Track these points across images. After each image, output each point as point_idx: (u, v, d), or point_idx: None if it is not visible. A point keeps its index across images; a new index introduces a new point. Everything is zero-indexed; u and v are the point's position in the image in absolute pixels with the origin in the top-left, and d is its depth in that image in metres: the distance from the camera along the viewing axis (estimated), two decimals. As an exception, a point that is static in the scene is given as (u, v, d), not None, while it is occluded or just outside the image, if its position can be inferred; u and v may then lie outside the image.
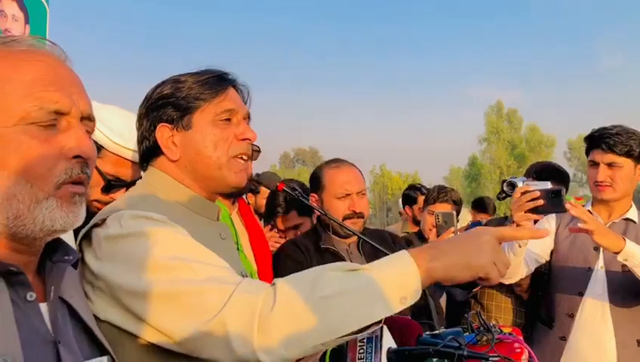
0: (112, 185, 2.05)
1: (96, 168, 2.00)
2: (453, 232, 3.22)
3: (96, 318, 1.29)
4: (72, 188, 1.09)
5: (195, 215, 1.61)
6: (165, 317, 1.25)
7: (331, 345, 1.24)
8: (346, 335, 1.21)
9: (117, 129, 2.00)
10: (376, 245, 2.34)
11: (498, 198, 3.30)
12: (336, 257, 2.69)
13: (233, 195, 2.43)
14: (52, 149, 1.06)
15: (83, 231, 1.43)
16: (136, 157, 2.04)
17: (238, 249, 2.15)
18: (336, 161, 2.88)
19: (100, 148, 1.99)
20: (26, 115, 1.04)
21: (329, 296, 1.21)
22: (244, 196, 2.78)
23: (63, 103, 1.08)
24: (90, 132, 1.16)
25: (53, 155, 1.06)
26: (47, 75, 1.09)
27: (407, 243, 3.61)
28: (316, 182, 2.84)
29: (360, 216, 2.77)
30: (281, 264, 2.71)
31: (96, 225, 1.41)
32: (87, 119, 1.15)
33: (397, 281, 1.23)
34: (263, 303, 1.21)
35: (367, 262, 2.70)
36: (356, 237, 2.73)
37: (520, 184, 2.89)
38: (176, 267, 1.28)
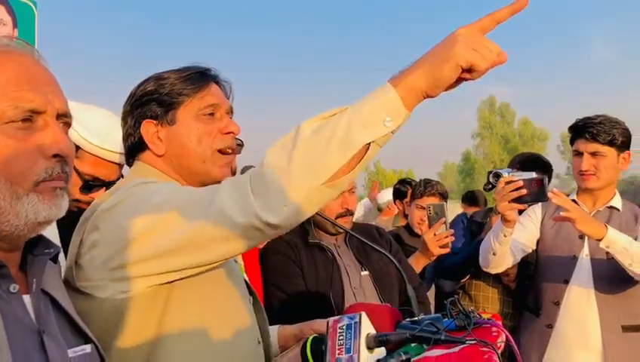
0: (91, 185, 2.08)
1: (74, 168, 2.03)
2: (444, 223, 3.27)
3: (100, 301, 1.37)
4: (52, 183, 1.11)
5: None
6: (176, 230, 1.30)
7: (327, 194, 1.23)
8: (336, 175, 1.20)
9: (94, 129, 2.03)
10: (364, 240, 2.36)
11: (484, 189, 3.34)
12: (325, 252, 2.72)
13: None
14: (30, 147, 1.09)
15: (78, 228, 1.47)
16: (113, 158, 2.07)
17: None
18: None
19: (77, 148, 2.02)
20: (2, 114, 1.07)
21: (311, 137, 1.21)
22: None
23: (39, 102, 1.11)
24: (68, 127, 1.19)
25: (31, 153, 1.09)
26: (22, 74, 1.11)
27: (395, 237, 3.66)
28: None
29: (351, 213, 2.81)
30: (270, 260, 2.73)
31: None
32: (64, 116, 1.17)
33: (375, 107, 1.20)
34: (251, 173, 1.24)
35: (357, 257, 2.77)
36: (343, 232, 2.77)
37: (505, 175, 2.92)
38: (176, 192, 1.36)
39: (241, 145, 2.67)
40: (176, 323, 1.42)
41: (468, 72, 1.21)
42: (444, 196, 3.99)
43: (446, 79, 1.20)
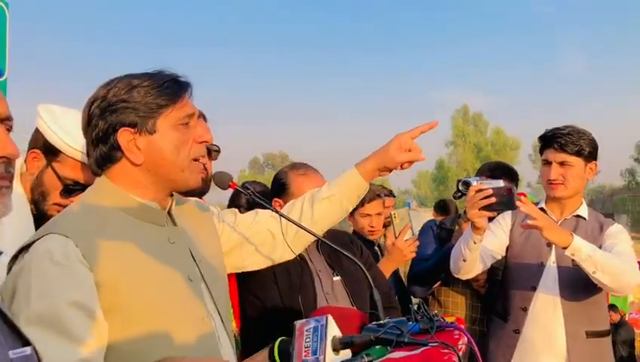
0: (71, 189, 2.08)
1: (55, 172, 2.04)
2: (410, 228, 3.31)
3: None
4: None
5: (142, 222, 1.63)
6: None
7: None
8: None
9: (73, 132, 2.02)
10: (334, 245, 2.38)
11: (454, 197, 3.40)
12: (297, 258, 2.73)
13: (190, 195, 2.48)
14: None
15: (25, 242, 1.50)
16: None
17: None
18: (301, 167, 2.89)
19: (58, 152, 2.03)
20: None
21: None
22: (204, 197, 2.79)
23: None
24: (9, 130, 1.21)
25: None
26: None
27: (368, 244, 3.69)
28: (282, 187, 2.83)
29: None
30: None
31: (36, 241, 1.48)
32: (7, 120, 1.19)
33: None
34: None
35: (328, 263, 2.77)
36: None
37: (473, 183, 2.97)
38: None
39: (217, 150, 2.68)
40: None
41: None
42: (380, 196, 4.02)
43: None
